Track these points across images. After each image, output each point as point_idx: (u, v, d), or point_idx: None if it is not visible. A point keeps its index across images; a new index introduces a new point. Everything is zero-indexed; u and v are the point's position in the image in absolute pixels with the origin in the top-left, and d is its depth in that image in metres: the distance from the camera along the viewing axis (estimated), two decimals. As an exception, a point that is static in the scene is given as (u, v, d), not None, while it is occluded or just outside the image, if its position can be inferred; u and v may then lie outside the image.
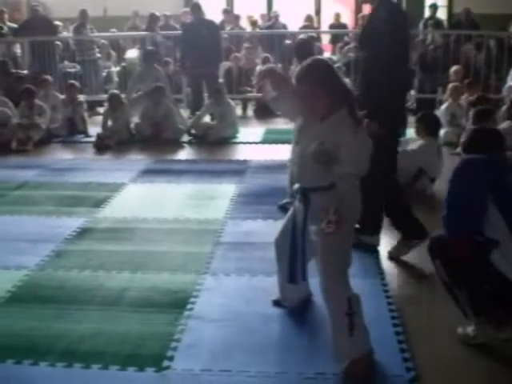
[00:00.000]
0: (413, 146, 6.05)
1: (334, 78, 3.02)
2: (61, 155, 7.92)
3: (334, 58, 11.96)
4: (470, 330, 3.24)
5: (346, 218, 2.84)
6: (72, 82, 9.52)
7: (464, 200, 3.10)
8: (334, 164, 2.89)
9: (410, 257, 4.38)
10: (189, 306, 3.71)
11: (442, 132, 7.40)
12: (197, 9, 9.61)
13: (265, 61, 10.77)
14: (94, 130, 8.67)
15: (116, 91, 9.40)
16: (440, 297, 3.38)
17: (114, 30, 12.99)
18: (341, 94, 2.98)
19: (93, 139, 8.34)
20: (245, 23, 13.45)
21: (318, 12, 15.34)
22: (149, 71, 9.48)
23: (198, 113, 8.88)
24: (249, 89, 10.67)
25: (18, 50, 11.28)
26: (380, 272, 4.15)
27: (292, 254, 3.26)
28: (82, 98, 9.44)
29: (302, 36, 10.23)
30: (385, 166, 3.85)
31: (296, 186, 3.14)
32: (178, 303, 3.75)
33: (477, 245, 3.15)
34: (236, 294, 3.89)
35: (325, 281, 3.01)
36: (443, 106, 8.59)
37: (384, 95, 3.78)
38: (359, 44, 4.40)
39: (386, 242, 4.55)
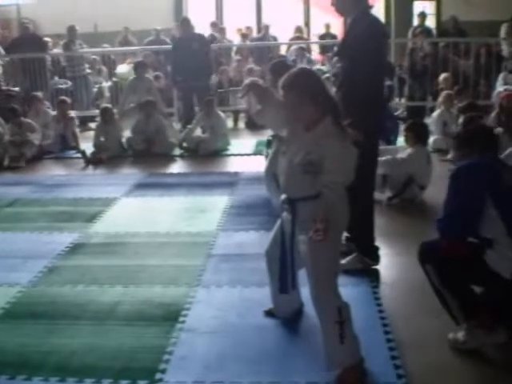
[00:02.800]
0: (402, 155, 6.09)
1: (320, 87, 3.03)
2: (53, 171, 7.96)
3: (324, 68, 12.03)
4: (460, 335, 3.25)
5: (333, 226, 2.86)
6: (63, 98, 9.56)
7: (461, 204, 3.11)
8: (320, 174, 2.91)
9: (401, 264, 4.40)
10: (181, 319, 3.71)
11: (431, 139, 7.45)
12: (186, 23, 9.70)
13: (250, 72, 10.79)
14: (86, 145, 8.69)
15: (108, 105, 9.44)
16: (430, 304, 3.39)
17: (106, 45, 13.05)
18: (326, 103, 2.99)
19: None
20: (233, 35, 13.53)
21: (307, 23, 15.42)
22: (140, 82, 9.54)
23: (189, 126, 8.92)
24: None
25: None
26: (371, 280, 4.16)
27: (282, 265, 3.28)
28: (73, 113, 9.47)
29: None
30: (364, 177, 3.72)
31: (283, 196, 3.16)
32: (170, 316, 3.76)
33: (470, 246, 3.18)
34: (228, 305, 3.89)
35: (314, 290, 3.01)
36: (435, 113, 8.63)
37: (359, 108, 3.74)
38: (338, 55, 4.41)
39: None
